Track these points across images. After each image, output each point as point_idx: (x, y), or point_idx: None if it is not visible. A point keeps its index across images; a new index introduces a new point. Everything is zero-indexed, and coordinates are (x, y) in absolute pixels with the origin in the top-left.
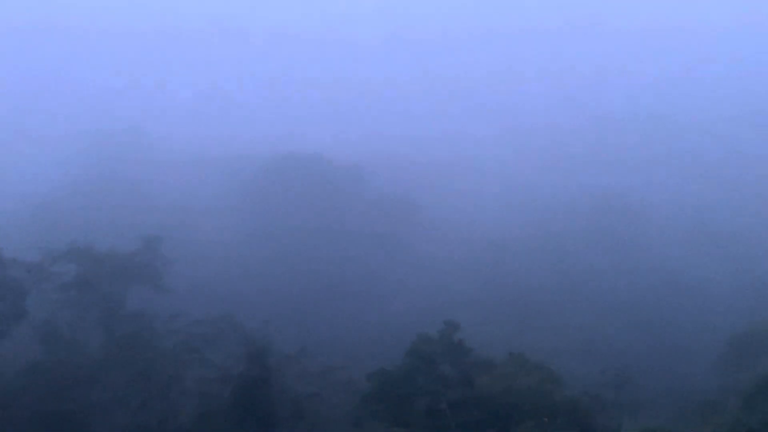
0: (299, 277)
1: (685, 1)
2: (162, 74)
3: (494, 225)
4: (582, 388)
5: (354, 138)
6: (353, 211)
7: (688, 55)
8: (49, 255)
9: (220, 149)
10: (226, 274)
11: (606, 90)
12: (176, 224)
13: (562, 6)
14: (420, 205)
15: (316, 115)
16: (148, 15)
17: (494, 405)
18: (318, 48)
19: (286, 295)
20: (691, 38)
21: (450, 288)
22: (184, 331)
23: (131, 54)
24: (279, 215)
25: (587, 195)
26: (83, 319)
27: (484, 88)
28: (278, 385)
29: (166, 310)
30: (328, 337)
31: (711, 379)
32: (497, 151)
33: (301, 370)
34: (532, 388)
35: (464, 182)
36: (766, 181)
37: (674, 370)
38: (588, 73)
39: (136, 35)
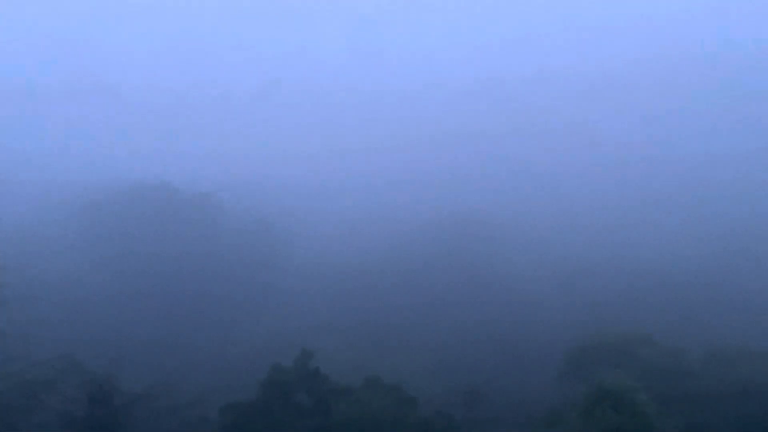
0: (148, 312)
1: None
2: None
3: (351, 247)
4: (435, 408)
5: (203, 163)
6: (205, 240)
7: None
8: None
9: (57, 176)
10: (68, 311)
11: (461, 106)
12: (12, 256)
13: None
14: (275, 229)
15: (162, 140)
16: None
17: (351, 431)
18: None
19: (135, 331)
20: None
21: (307, 314)
22: (19, 374)
23: None
24: (125, 248)
25: (443, 214)
26: None
27: (339, 104)
28: (125, 427)
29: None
30: (180, 373)
31: (556, 391)
32: (354, 170)
33: (150, 410)
34: (388, 411)
35: (321, 203)
36: (608, 199)
37: (524, 383)
38: (443, 90)
39: None
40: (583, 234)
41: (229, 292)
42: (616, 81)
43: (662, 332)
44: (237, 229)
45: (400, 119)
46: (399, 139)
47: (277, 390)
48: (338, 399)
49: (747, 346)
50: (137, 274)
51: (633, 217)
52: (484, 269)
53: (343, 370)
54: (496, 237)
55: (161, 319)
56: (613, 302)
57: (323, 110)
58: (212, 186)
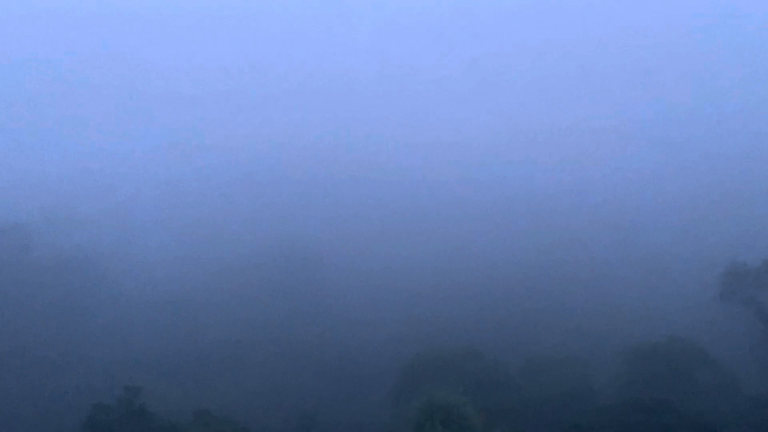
0: None
1: None
2: None
3: (173, 279)
4: None
5: (16, 193)
6: (17, 278)
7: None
8: None
9: None
10: None
11: (276, 135)
12: None
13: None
14: (95, 264)
15: None
16: None
17: None
18: None
19: None
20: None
21: (131, 349)
22: None
23: None
24: None
25: (267, 243)
26: None
27: (161, 131)
28: None
29: None
30: None
31: (387, 409)
32: (178, 201)
33: None
34: None
35: (141, 235)
36: (428, 218)
37: (357, 405)
38: (272, 123)
39: None
40: (402, 254)
41: (49, 331)
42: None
43: (486, 345)
44: (50, 264)
45: (221, 149)
46: (221, 169)
47: (100, 430)
48: None
49: (562, 353)
50: None
51: (454, 234)
52: (309, 295)
53: (171, 405)
54: (318, 263)
55: None
56: (439, 319)
57: (145, 140)
58: (24, 217)
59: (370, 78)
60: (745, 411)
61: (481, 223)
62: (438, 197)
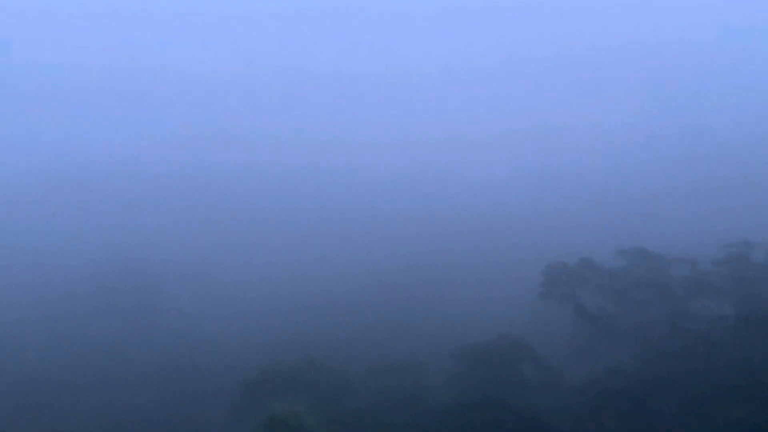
0: None
1: None
2: None
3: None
4: None
5: None
6: None
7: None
8: None
9: None
10: None
11: (153, 150)
12: None
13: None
14: None
15: None
16: None
17: None
18: None
19: None
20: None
21: None
22: None
23: None
24: None
25: (104, 257)
26: None
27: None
28: None
29: None
30: None
31: (229, 425)
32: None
33: None
34: None
35: None
36: (253, 234)
37: (196, 423)
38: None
39: None
40: (242, 266)
41: None
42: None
43: (327, 355)
44: None
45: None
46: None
47: None
48: None
49: (401, 359)
50: None
51: (291, 247)
52: (145, 311)
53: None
54: (154, 277)
55: None
56: (281, 332)
57: None
58: None
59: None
60: (567, 401)
61: (316, 237)
62: (274, 209)
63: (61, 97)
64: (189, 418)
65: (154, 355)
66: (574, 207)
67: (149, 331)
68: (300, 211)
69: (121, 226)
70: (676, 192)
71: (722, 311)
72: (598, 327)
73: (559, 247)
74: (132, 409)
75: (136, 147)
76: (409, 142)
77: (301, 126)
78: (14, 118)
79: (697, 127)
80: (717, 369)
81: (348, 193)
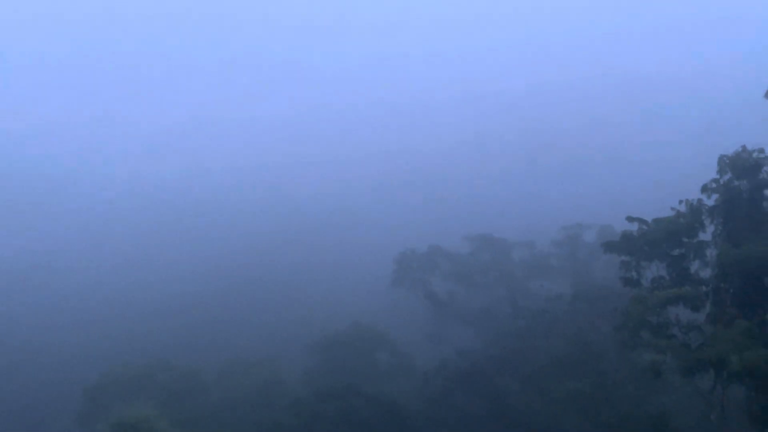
0: None
1: None
2: None
3: None
4: None
5: None
6: None
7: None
8: None
9: None
10: None
11: None
12: None
13: None
14: None
15: None
16: None
17: None
18: None
19: None
20: None
21: None
22: None
23: None
24: None
25: None
26: None
27: None
28: None
29: None
30: None
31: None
32: None
33: None
34: None
35: None
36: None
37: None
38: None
39: None
40: (82, 269)
41: None
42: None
43: (179, 355)
44: None
45: None
46: None
47: None
48: None
49: (256, 354)
50: None
51: (137, 245)
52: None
53: None
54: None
55: None
56: (130, 336)
57: None
58: None
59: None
60: (419, 383)
61: (160, 236)
62: (115, 208)
63: None
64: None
65: None
66: (422, 195)
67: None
68: (142, 211)
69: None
70: (515, 179)
71: (559, 290)
72: (448, 311)
73: (410, 236)
74: None
75: None
76: (256, 136)
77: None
78: None
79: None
80: (555, 344)
81: (193, 190)
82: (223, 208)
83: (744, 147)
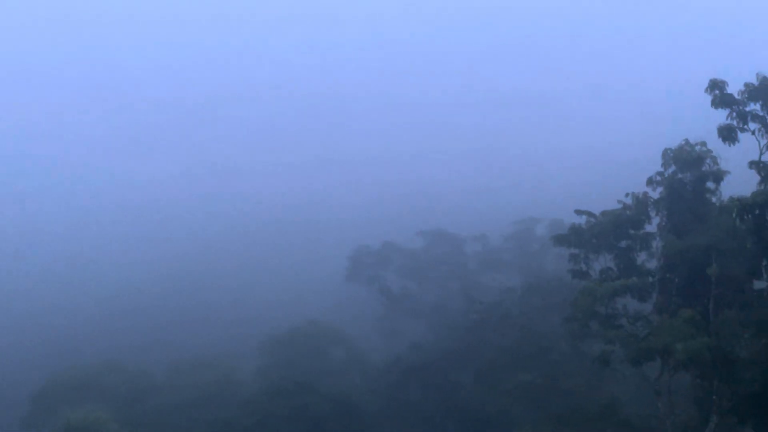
0: None
1: None
2: None
3: None
4: None
5: None
6: None
7: None
8: None
9: None
10: None
11: None
12: None
13: None
14: None
15: None
16: None
17: None
18: None
19: None
20: None
21: None
22: None
23: None
24: None
25: None
26: None
27: None
28: None
29: None
30: None
31: None
32: None
33: None
34: None
35: None
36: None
37: None
38: None
39: None
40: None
41: None
42: None
43: (128, 356)
44: None
45: None
46: None
47: None
48: None
49: (208, 353)
50: None
51: (83, 244)
52: None
53: None
54: None
55: None
56: (77, 339)
57: None
58: None
59: None
60: (373, 379)
61: (114, 235)
62: (62, 208)
63: None
64: None
65: None
66: (377, 191)
67: None
68: (91, 211)
69: None
70: (466, 174)
71: (511, 283)
72: (401, 306)
73: (364, 232)
74: None
75: None
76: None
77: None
78: None
79: None
80: (507, 337)
81: (141, 190)
82: (175, 208)
83: (687, 140)
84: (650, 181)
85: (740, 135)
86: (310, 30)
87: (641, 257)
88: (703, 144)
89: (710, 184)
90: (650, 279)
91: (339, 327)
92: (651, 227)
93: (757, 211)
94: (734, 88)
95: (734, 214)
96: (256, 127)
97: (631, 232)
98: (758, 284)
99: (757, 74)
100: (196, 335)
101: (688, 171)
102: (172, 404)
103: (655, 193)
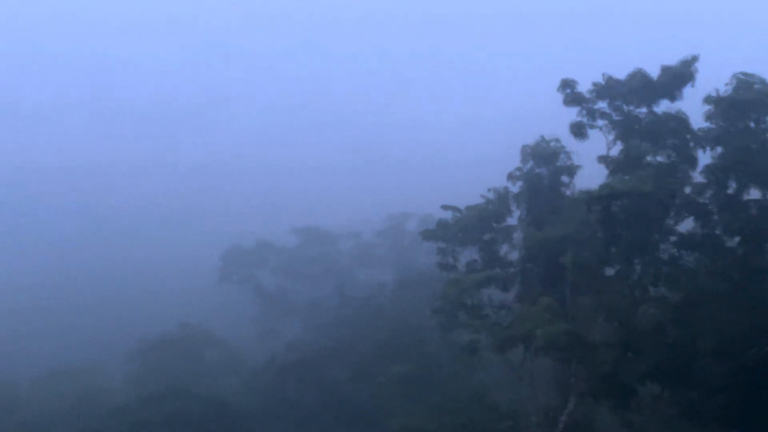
0: None
1: None
2: None
3: None
4: None
5: None
6: None
7: None
8: None
9: None
10: None
11: None
12: None
13: None
14: None
15: None
16: None
17: None
18: None
19: None
20: None
21: None
22: None
23: None
24: None
25: None
26: None
27: None
28: None
29: None
30: None
31: None
32: None
33: None
34: None
35: None
36: None
37: None
38: None
39: None
40: None
41: None
42: None
43: None
44: None
45: None
46: None
47: None
48: None
49: (74, 364)
50: None
51: None
52: None
53: None
54: None
55: None
56: None
57: None
58: None
59: None
60: (249, 379)
61: None
62: None
63: None
64: None
65: None
66: (247, 191)
67: None
68: None
69: None
70: (338, 172)
71: (384, 278)
72: (277, 305)
73: (237, 232)
74: None
75: None
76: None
77: None
78: None
79: None
80: (381, 331)
81: None
82: (35, 212)
83: (543, 137)
84: (510, 176)
85: (590, 131)
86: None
87: (504, 249)
88: (558, 140)
89: (564, 178)
90: (512, 269)
91: (213, 329)
92: (512, 220)
93: (604, 203)
94: (585, 87)
95: (584, 206)
96: (121, 129)
97: (494, 225)
98: (609, 271)
99: (603, 74)
100: (64, 344)
101: (544, 166)
102: (38, 417)
103: (515, 188)
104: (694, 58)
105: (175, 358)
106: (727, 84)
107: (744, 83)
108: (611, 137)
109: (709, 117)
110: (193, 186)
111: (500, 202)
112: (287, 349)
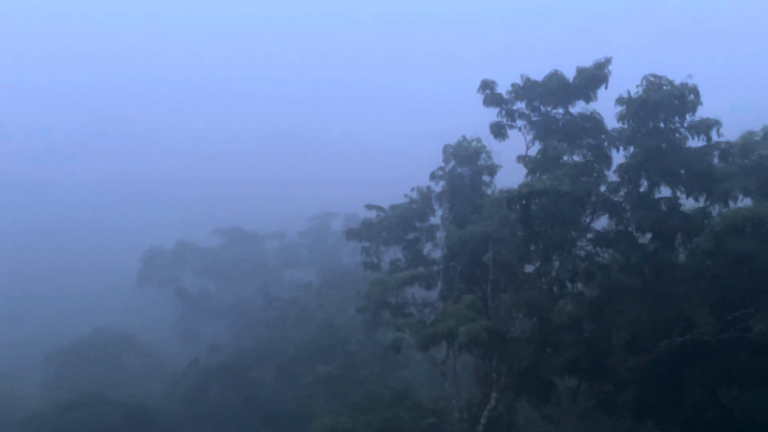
0: None
1: None
2: None
3: None
4: None
5: None
6: None
7: None
8: None
9: None
10: None
11: None
12: None
13: None
14: None
15: None
16: None
17: None
18: None
19: None
20: None
21: None
22: None
23: None
24: None
25: None
26: None
27: None
28: None
29: None
30: None
31: None
32: None
33: None
34: None
35: None
36: None
37: None
38: None
39: None
40: None
41: None
42: None
43: None
44: None
45: None
46: None
47: None
48: None
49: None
50: None
51: None
52: None
53: None
54: None
55: None
56: None
57: None
58: None
59: None
60: (171, 384)
61: None
62: None
63: None
64: None
65: None
66: (165, 192)
67: None
68: None
69: None
70: (261, 171)
71: (308, 278)
72: (199, 307)
73: (156, 233)
74: None
75: None
76: None
77: None
78: None
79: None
80: (306, 332)
81: None
82: None
83: (464, 137)
84: (433, 176)
85: (510, 131)
86: None
87: (427, 248)
88: (479, 140)
89: (485, 178)
90: (435, 268)
91: (132, 333)
92: (436, 219)
93: (523, 202)
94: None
95: (504, 205)
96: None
97: (417, 224)
98: (528, 268)
99: (522, 75)
100: None
101: (466, 165)
102: None
103: (438, 187)
104: (608, 60)
105: (93, 364)
106: (638, 85)
107: (653, 85)
108: (530, 137)
109: (621, 117)
110: (110, 198)
111: (423, 201)
112: (210, 351)
